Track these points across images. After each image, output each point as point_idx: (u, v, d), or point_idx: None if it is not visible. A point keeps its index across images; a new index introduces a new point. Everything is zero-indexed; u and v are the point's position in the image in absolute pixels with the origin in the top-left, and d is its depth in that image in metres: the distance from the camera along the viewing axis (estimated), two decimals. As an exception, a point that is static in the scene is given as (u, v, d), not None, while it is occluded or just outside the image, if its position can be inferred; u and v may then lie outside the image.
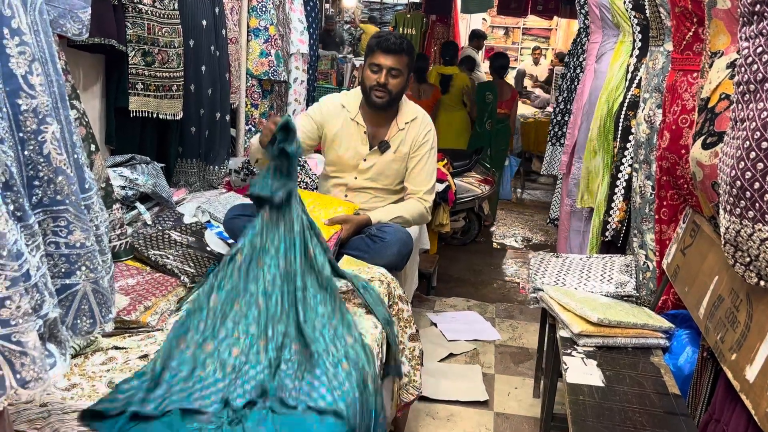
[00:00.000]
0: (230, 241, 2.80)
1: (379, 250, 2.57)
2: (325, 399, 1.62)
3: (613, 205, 3.00)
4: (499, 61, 6.74)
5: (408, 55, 2.75)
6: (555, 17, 10.95)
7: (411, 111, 2.87)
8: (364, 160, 2.83)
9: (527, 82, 10.71)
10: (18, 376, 1.03)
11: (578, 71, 4.16)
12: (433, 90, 6.52)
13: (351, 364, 1.74)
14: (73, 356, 1.84)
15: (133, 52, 2.84)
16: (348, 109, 2.86)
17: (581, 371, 2.11)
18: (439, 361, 3.35)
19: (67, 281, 1.21)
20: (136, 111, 2.91)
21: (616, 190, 2.99)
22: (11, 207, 1.07)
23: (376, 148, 2.82)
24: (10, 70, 1.10)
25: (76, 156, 1.29)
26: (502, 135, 6.56)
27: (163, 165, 3.04)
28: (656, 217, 2.53)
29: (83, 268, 1.22)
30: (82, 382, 1.75)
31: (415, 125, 2.84)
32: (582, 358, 2.18)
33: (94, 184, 1.36)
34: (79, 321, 1.24)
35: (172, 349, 1.74)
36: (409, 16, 9.16)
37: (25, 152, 1.14)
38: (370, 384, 1.71)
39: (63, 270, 1.21)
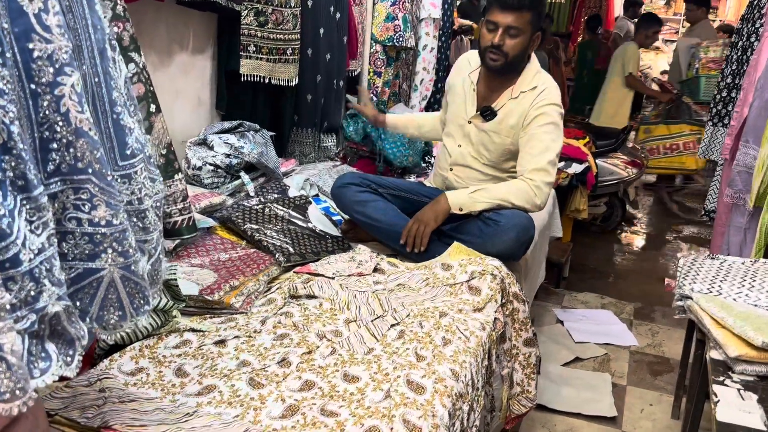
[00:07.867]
0: (335, 217, 2.59)
1: (492, 235, 2.22)
2: None
3: (788, 200, 2.47)
4: (594, 21, 7.98)
5: (531, 9, 2.26)
6: (726, -16, 9.82)
7: (533, 79, 2.39)
8: (469, 122, 2.47)
9: None
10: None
11: (753, 39, 3.54)
12: None
13: None
14: (146, 336, 1.69)
15: (246, 12, 2.67)
16: (471, 64, 2.54)
17: (736, 407, 1.69)
18: (563, 365, 2.97)
19: (91, 265, 1.02)
20: (247, 75, 2.76)
21: (794, 182, 2.46)
22: (9, 174, 0.88)
23: (479, 113, 2.45)
24: (19, 6, 0.90)
25: (115, 116, 1.08)
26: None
27: (273, 134, 2.87)
28: None
29: (109, 250, 1.02)
30: (149, 366, 1.59)
31: (530, 96, 2.36)
32: (738, 390, 1.75)
33: (143, 150, 1.15)
34: (105, 313, 1.04)
35: None
36: (558, -18, 8.62)
37: (39, 108, 0.94)
38: None
39: (86, 251, 1.01)
